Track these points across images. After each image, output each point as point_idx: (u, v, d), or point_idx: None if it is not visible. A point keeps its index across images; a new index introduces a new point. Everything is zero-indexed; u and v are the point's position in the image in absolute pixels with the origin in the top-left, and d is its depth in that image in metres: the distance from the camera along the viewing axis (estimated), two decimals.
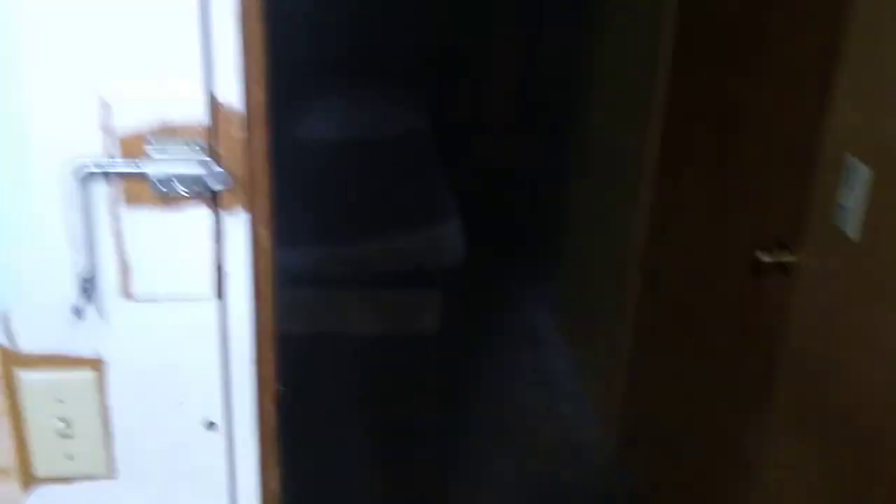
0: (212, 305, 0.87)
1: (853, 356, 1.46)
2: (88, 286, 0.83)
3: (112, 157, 0.80)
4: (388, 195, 3.67)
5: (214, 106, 0.80)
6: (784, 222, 1.69)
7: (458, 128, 4.68)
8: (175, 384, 0.89)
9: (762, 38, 1.82)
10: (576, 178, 3.30)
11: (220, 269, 0.85)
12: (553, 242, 3.62)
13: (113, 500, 0.93)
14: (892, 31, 1.36)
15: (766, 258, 1.67)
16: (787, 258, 1.64)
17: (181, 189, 0.80)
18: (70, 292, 0.83)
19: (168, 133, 0.79)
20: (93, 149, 0.79)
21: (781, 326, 1.68)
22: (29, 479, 0.90)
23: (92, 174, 0.80)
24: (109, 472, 0.91)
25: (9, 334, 0.85)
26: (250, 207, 0.84)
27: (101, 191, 0.81)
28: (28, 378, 0.86)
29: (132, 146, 0.80)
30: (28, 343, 0.85)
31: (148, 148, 0.80)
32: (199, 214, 0.83)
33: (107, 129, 0.79)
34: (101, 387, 0.88)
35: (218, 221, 0.84)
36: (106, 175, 0.80)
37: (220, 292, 0.87)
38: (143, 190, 0.81)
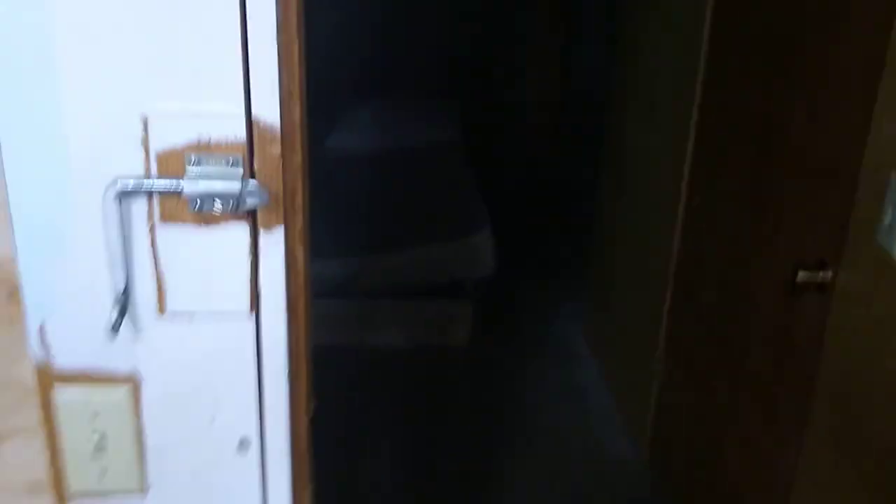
0: (247, 321, 0.86)
1: (893, 377, 1.42)
2: (124, 302, 0.83)
3: (149, 173, 0.80)
4: (421, 207, 3.68)
5: (252, 123, 0.79)
6: (823, 240, 1.66)
7: (491, 140, 4.68)
8: (208, 401, 0.89)
9: (800, 51, 1.79)
10: (608, 190, 3.28)
11: (255, 286, 0.85)
12: (585, 256, 3.60)
13: None
14: None
15: (803, 277, 1.63)
16: (825, 277, 1.61)
17: (218, 206, 0.80)
18: (106, 308, 0.83)
19: (205, 150, 0.79)
20: (130, 165, 0.79)
21: (818, 346, 1.65)
22: (62, 493, 0.91)
23: (129, 190, 0.80)
24: (142, 487, 0.91)
25: (45, 349, 0.85)
26: (286, 224, 0.84)
27: (138, 207, 0.81)
28: (63, 393, 0.86)
29: (170, 163, 0.79)
30: (64, 358, 0.85)
31: (186, 164, 0.79)
32: (236, 231, 0.82)
33: (145, 146, 0.79)
34: (135, 403, 0.88)
35: (254, 238, 0.83)
36: (143, 192, 0.80)
37: (255, 308, 0.86)
38: (179, 207, 0.81)
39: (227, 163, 0.79)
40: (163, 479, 0.91)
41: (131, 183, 0.79)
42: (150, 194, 0.81)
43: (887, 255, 1.41)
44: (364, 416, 3.00)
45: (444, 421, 3.04)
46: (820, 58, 1.71)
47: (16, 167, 0.79)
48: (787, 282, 1.69)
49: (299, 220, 0.85)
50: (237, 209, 0.81)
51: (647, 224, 2.80)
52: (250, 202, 0.80)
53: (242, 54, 0.77)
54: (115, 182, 0.79)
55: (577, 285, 3.76)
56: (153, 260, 0.83)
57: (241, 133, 0.79)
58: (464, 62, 4.72)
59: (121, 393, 0.87)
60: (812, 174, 1.74)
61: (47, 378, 0.86)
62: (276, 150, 0.81)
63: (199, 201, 0.80)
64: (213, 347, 0.87)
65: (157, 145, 0.79)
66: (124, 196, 0.80)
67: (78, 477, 0.89)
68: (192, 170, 0.79)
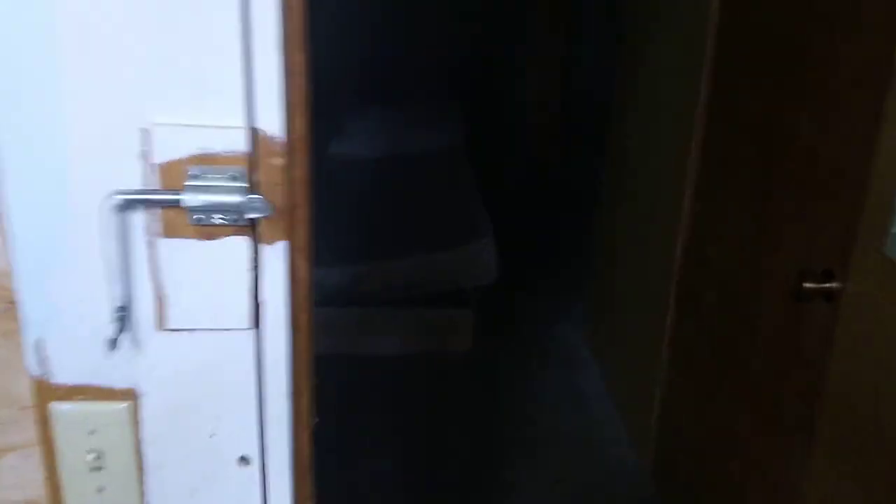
0: (248, 336, 0.85)
1: None
2: (124, 316, 0.82)
3: (150, 185, 0.78)
4: (422, 214, 3.66)
5: (255, 134, 0.78)
6: (829, 248, 1.64)
7: (492, 146, 4.67)
8: (209, 417, 0.87)
9: (807, 57, 1.78)
10: (611, 197, 3.26)
11: (256, 300, 0.84)
12: (587, 262, 3.58)
13: None
14: None
15: (809, 284, 1.62)
16: (831, 285, 1.60)
17: (219, 218, 0.79)
18: (105, 322, 0.82)
19: (207, 162, 0.77)
20: (130, 177, 0.78)
21: (824, 355, 1.63)
22: None
23: (129, 203, 0.78)
24: None
25: (42, 364, 0.83)
26: (289, 237, 0.82)
27: (138, 219, 0.80)
28: (61, 409, 0.85)
29: (171, 175, 0.78)
30: (62, 373, 0.84)
31: (187, 176, 0.78)
32: (237, 244, 0.81)
33: (145, 157, 0.77)
34: (133, 418, 0.86)
35: (256, 251, 0.82)
36: (143, 204, 0.79)
37: (256, 323, 0.85)
38: (180, 219, 0.79)
39: (229, 175, 0.78)
40: (162, 496, 0.90)
41: (131, 195, 0.78)
42: (150, 207, 0.79)
43: (893, 265, 1.40)
44: (366, 423, 2.99)
45: (445, 428, 3.03)
46: (826, 63, 1.69)
47: (14, 179, 0.77)
48: (792, 290, 1.67)
49: (302, 234, 0.83)
50: (239, 222, 0.79)
51: (649, 230, 2.78)
52: (252, 215, 0.79)
53: (245, 65, 0.76)
54: (114, 194, 0.78)
55: (579, 292, 3.75)
56: (153, 274, 0.81)
57: (244, 145, 0.78)
58: (466, 68, 4.71)
59: (119, 409, 0.85)
60: (818, 182, 1.72)
61: (44, 393, 0.84)
62: (279, 162, 0.79)
63: (200, 214, 0.78)
64: (214, 363, 0.85)
65: (157, 157, 0.77)
66: (124, 209, 0.79)
67: (75, 494, 0.88)
68: (193, 182, 0.78)
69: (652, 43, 2.82)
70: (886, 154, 1.44)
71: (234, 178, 0.78)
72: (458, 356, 3.42)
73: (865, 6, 1.54)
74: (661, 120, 2.71)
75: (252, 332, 0.84)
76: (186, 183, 0.78)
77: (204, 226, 0.79)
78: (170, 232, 0.80)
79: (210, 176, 0.78)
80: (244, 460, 0.89)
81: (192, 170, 0.78)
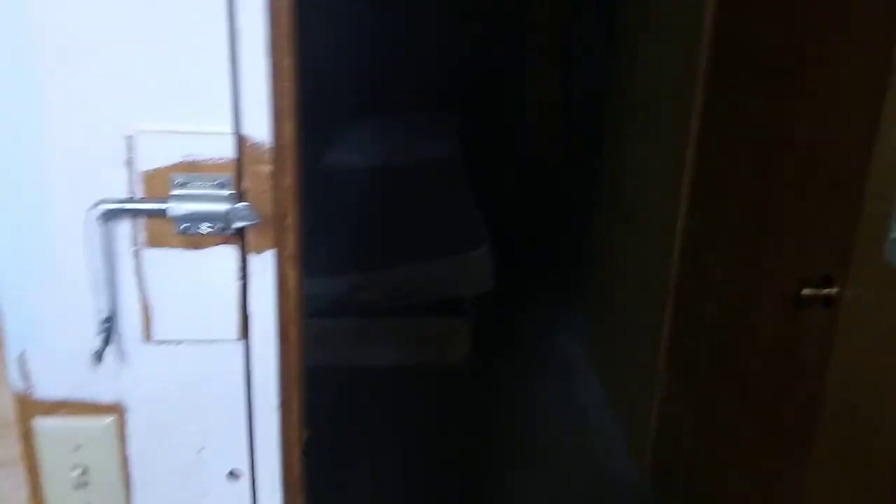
0: (236, 348, 0.83)
1: None
2: (109, 328, 0.80)
3: (135, 194, 0.77)
4: (419, 223, 3.65)
5: (241, 141, 0.76)
6: (828, 254, 1.63)
7: (489, 155, 4.66)
8: (197, 431, 0.85)
9: (804, 61, 1.76)
10: (608, 205, 3.25)
11: (244, 312, 0.82)
12: (585, 270, 3.57)
13: None
14: None
15: (808, 291, 1.60)
16: (830, 291, 1.58)
17: (206, 227, 0.77)
18: (90, 335, 0.80)
19: (193, 170, 0.76)
20: (115, 187, 0.76)
21: (823, 362, 1.61)
22: None
23: (114, 212, 0.76)
24: None
25: (25, 378, 0.81)
26: (278, 246, 0.81)
27: (123, 229, 0.78)
28: (45, 424, 0.82)
29: (156, 183, 0.76)
30: (45, 388, 0.82)
31: (172, 185, 0.76)
32: (224, 254, 0.79)
33: (129, 167, 0.75)
34: (119, 433, 0.84)
35: (243, 261, 0.80)
36: (128, 213, 0.77)
37: (245, 334, 0.83)
38: (166, 228, 0.77)
39: (216, 183, 0.76)
40: None
41: (116, 205, 0.76)
42: (135, 216, 0.77)
43: (894, 270, 1.38)
44: (362, 434, 2.96)
45: (443, 439, 3.00)
46: (824, 68, 1.68)
47: None
48: (791, 297, 1.65)
49: (291, 242, 0.81)
50: (226, 230, 0.77)
51: (646, 238, 2.77)
52: (239, 224, 0.77)
53: (231, 71, 0.74)
54: (98, 204, 0.76)
55: (576, 301, 3.73)
56: (139, 284, 0.80)
57: (230, 152, 0.76)
58: (464, 73, 4.71)
59: (105, 423, 0.83)
60: (816, 187, 1.71)
61: (28, 408, 0.82)
62: (267, 169, 0.77)
63: (186, 223, 0.76)
64: (202, 375, 0.83)
65: (142, 165, 0.76)
66: (108, 218, 0.77)
67: None
68: (179, 191, 0.76)
69: (648, 47, 2.81)
70: (884, 159, 1.43)
71: (221, 186, 0.76)
72: (455, 366, 3.39)
73: (862, 10, 1.53)
74: (657, 131, 2.70)
75: (240, 344, 0.83)
76: (172, 192, 0.76)
77: (190, 235, 0.78)
78: (156, 242, 0.78)
79: (196, 184, 0.76)
80: (234, 475, 0.87)
81: (178, 178, 0.76)
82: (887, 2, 1.41)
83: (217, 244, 0.78)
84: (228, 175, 0.76)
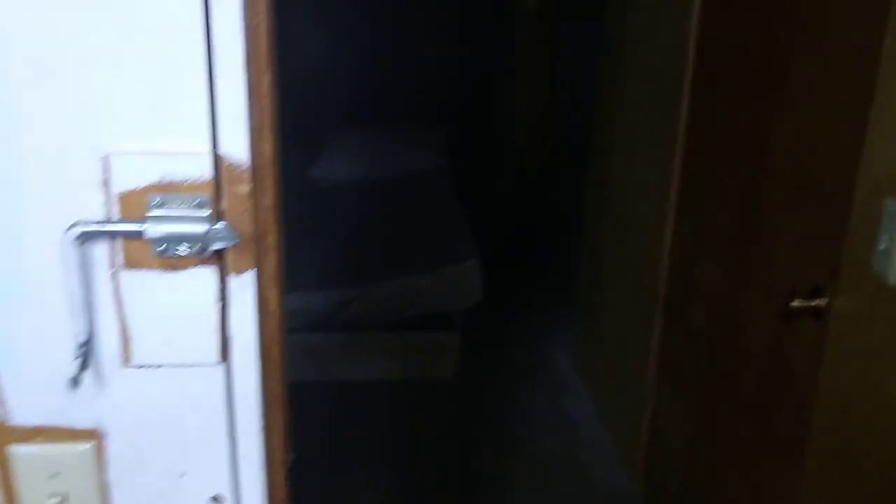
0: (217, 371, 0.81)
1: (891, 403, 1.38)
2: (86, 352, 0.78)
3: (111, 215, 0.75)
4: (407, 236, 3.63)
5: (219, 160, 0.75)
6: (817, 265, 1.62)
7: (477, 166, 4.65)
8: (178, 456, 0.83)
9: (791, 73, 1.76)
10: (596, 217, 3.24)
11: (225, 334, 0.80)
12: (574, 283, 3.56)
13: None
14: None
15: (797, 303, 1.60)
16: (819, 302, 1.57)
17: (184, 248, 0.75)
18: (66, 359, 0.78)
19: (170, 190, 0.74)
20: (91, 208, 0.74)
21: (814, 372, 1.61)
22: None
23: (90, 234, 0.75)
24: None
25: (1, 405, 0.79)
26: (258, 267, 0.79)
27: (99, 251, 0.76)
28: (21, 452, 0.81)
29: (132, 204, 0.75)
30: (21, 414, 0.80)
31: (149, 206, 0.75)
32: (203, 275, 0.77)
33: (105, 187, 0.74)
34: (98, 459, 0.82)
35: (223, 282, 0.78)
36: (105, 235, 0.75)
37: (225, 357, 0.81)
38: (143, 250, 0.76)
39: (194, 203, 0.75)
40: None
41: (92, 226, 0.74)
42: (112, 238, 0.76)
43: (883, 281, 1.38)
44: (351, 449, 2.94)
45: (433, 453, 2.98)
46: (811, 78, 1.68)
47: None
48: (781, 307, 1.65)
49: (272, 263, 0.80)
50: (204, 252, 0.76)
51: (636, 250, 2.76)
52: (218, 245, 0.75)
53: (208, 89, 0.73)
54: (74, 225, 0.74)
55: (566, 314, 3.71)
56: (116, 307, 0.78)
57: (208, 171, 0.74)
58: (452, 86, 4.70)
59: (83, 450, 0.81)
60: (804, 198, 1.71)
61: (3, 435, 0.80)
62: (246, 188, 0.76)
63: (163, 245, 0.75)
64: (182, 399, 0.81)
65: (118, 186, 0.74)
66: (85, 240, 0.75)
67: None
68: (155, 212, 0.74)
69: (635, 57, 2.81)
70: (871, 170, 1.43)
71: (200, 206, 0.75)
72: (444, 379, 3.37)
73: (848, 19, 1.53)
74: (645, 142, 2.70)
75: (221, 367, 0.81)
76: (149, 213, 0.74)
77: (168, 257, 0.76)
78: (133, 264, 0.76)
79: (174, 204, 0.75)
80: (217, 500, 0.86)
81: (155, 198, 0.74)
82: (872, 13, 1.41)
83: (196, 265, 0.77)
84: (206, 195, 0.75)
